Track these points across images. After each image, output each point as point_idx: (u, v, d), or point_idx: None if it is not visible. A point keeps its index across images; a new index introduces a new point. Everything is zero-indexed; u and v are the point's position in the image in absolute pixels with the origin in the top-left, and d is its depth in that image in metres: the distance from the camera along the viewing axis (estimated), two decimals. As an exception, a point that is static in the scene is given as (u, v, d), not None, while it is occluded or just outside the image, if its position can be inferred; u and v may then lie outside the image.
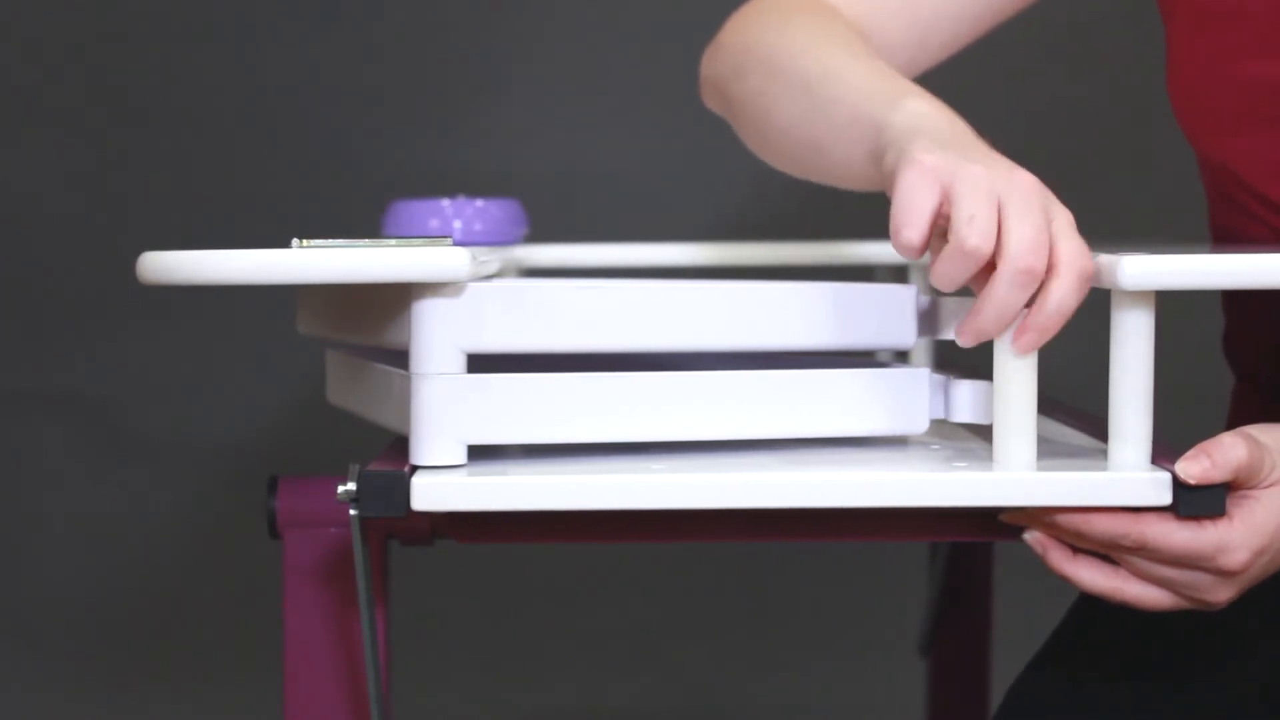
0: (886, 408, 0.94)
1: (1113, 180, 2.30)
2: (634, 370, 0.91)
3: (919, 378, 0.95)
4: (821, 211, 2.04)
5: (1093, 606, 1.11)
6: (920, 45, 1.15)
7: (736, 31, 1.13)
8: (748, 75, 1.10)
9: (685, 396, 0.91)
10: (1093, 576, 0.91)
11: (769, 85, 1.09)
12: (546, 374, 0.90)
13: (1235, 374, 1.25)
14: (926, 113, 0.95)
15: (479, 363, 0.91)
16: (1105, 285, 0.89)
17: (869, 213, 2.24)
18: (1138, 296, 0.88)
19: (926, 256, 0.90)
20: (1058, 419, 1.08)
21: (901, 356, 1.30)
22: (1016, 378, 0.89)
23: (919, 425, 0.95)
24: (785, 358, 1.02)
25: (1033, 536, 0.92)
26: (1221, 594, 0.90)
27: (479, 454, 0.92)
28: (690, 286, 0.94)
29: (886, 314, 0.95)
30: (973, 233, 0.86)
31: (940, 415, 0.96)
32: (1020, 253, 0.85)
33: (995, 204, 0.86)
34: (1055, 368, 0.98)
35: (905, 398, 0.95)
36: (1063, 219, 0.88)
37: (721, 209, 2.35)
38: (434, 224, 1.33)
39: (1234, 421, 1.25)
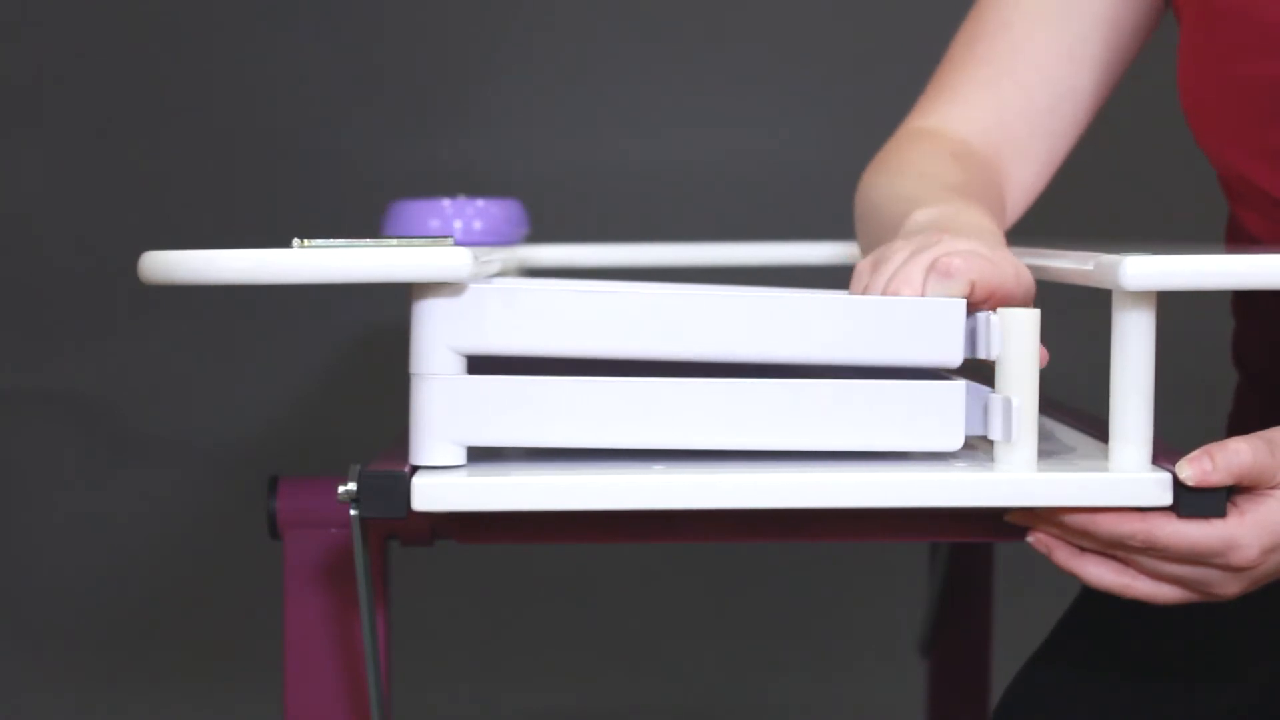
0: (915, 422, 0.90)
1: (1125, 182, 2.30)
2: (645, 376, 0.90)
3: (954, 391, 0.91)
4: (823, 212, 2.04)
5: (1095, 601, 1.11)
6: (1049, 135, 1.20)
7: (869, 174, 1.21)
8: (858, 219, 1.22)
9: (690, 405, 0.89)
10: (1101, 573, 0.91)
11: (859, 224, 1.22)
12: (545, 377, 0.89)
13: (1240, 372, 1.25)
14: (920, 221, 1.03)
15: (486, 364, 0.91)
16: (1106, 286, 0.89)
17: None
18: (1139, 297, 0.88)
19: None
20: (1058, 419, 1.08)
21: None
22: (1018, 378, 0.89)
23: (952, 442, 0.91)
24: (814, 369, 0.97)
25: (1036, 538, 0.92)
26: (1231, 588, 0.90)
27: (479, 454, 0.92)
28: (707, 293, 0.92)
29: (929, 329, 0.91)
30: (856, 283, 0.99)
31: (980, 432, 0.91)
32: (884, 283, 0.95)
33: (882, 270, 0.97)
34: (1056, 368, 0.98)
35: (937, 412, 0.90)
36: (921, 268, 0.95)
37: (722, 209, 2.35)
38: (434, 224, 1.33)
39: (1236, 419, 1.25)
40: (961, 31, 1.22)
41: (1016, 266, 0.95)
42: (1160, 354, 0.90)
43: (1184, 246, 0.98)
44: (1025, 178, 1.20)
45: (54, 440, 2.39)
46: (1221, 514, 0.88)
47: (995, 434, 0.90)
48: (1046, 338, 0.91)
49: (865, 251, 1.20)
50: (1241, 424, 1.23)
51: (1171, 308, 1.01)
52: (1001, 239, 1.02)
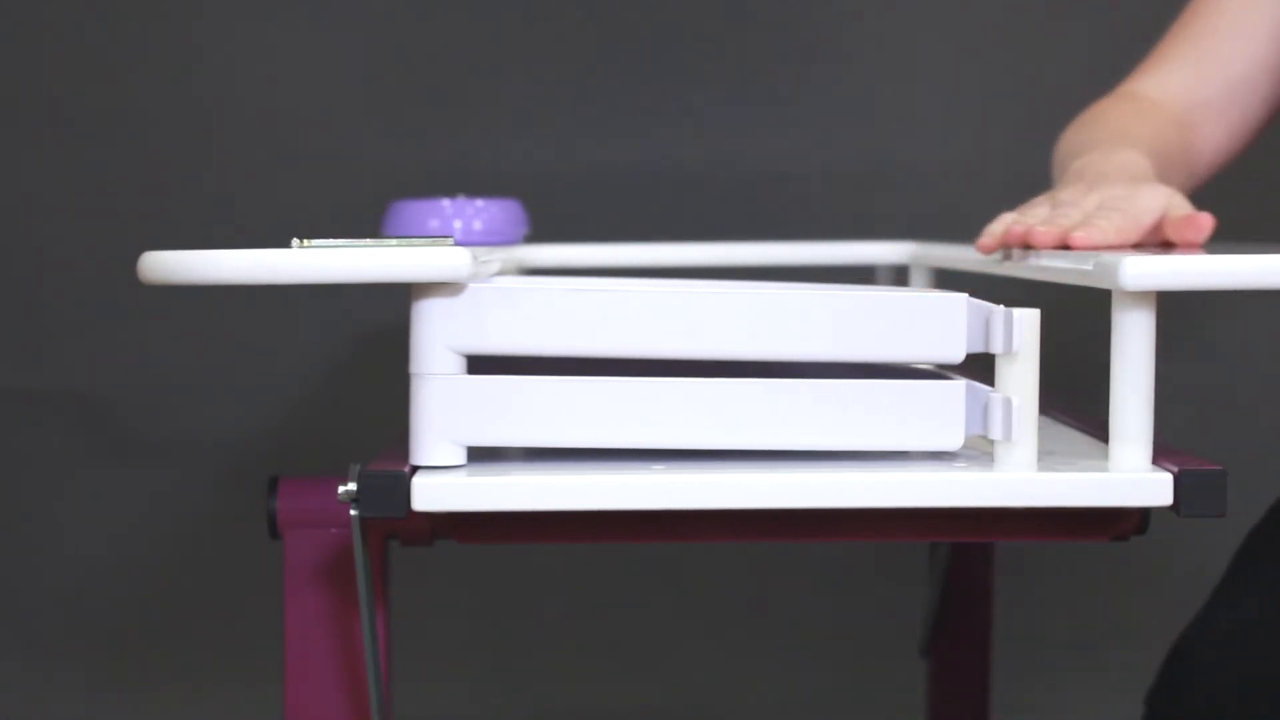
0: (915, 422, 0.90)
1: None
2: (651, 375, 0.90)
3: (954, 390, 0.91)
4: (822, 211, 2.04)
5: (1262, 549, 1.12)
6: (1243, 103, 1.31)
7: (1066, 136, 1.33)
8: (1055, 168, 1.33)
9: (690, 405, 0.89)
10: None
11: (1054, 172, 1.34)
12: (545, 377, 0.89)
13: None
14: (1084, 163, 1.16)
15: (486, 364, 0.91)
16: (1106, 286, 0.89)
17: (869, 213, 2.24)
18: (1138, 297, 0.88)
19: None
20: (1058, 419, 1.08)
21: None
22: (1018, 378, 0.89)
23: (952, 441, 0.91)
24: (813, 366, 0.97)
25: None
26: None
27: (479, 454, 0.92)
28: (706, 290, 0.91)
29: (930, 325, 0.90)
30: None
31: (980, 431, 0.91)
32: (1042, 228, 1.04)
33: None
34: (1056, 368, 0.98)
35: (937, 412, 0.90)
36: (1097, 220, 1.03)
37: (722, 209, 2.35)
38: (434, 224, 1.33)
39: None
40: (1183, 11, 1.34)
41: (1137, 205, 1.05)
42: (1160, 354, 0.90)
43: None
44: (1216, 135, 1.30)
45: (54, 440, 2.39)
46: (1223, 513, 0.88)
47: (995, 433, 0.90)
48: (1046, 337, 0.91)
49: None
50: None
51: (1172, 308, 1.01)
52: (1145, 171, 1.14)
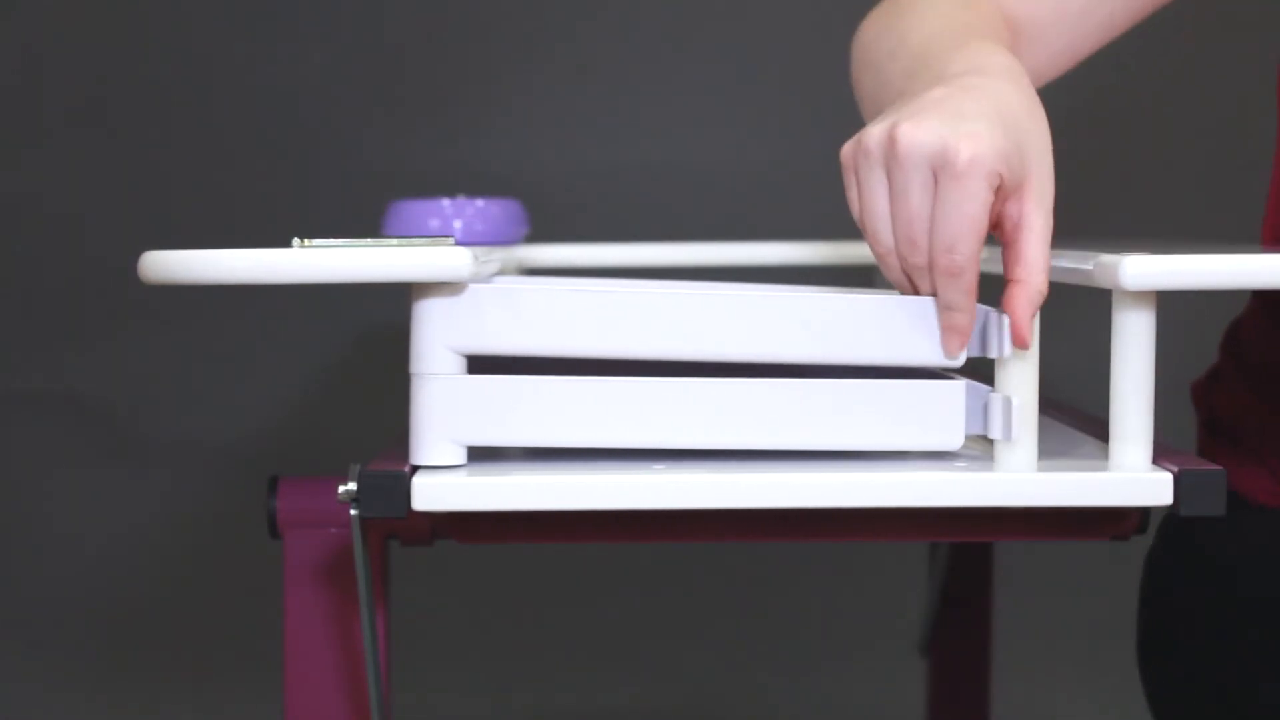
0: (915, 422, 0.90)
1: (1125, 181, 2.30)
2: (645, 376, 0.90)
3: (954, 390, 0.91)
4: (822, 211, 2.03)
5: None
6: (1074, 29, 1.15)
7: (872, 21, 1.13)
8: (862, 67, 1.12)
9: (690, 405, 0.89)
10: None
11: (862, 74, 1.11)
12: (545, 377, 0.89)
13: (1231, 360, 1.23)
14: (950, 75, 0.92)
15: (486, 364, 0.91)
16: (1106, 286, 0.89)
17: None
18: (1138, 296, 0.88)
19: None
20: (1058, 419, 1.08)
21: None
22: (1018, 377, 0.89)
23: (952, 441, 0.91)
24: (813, 366, 0.96)
25: None
26: None
27: (479, 454, 0.92)
28: (706, 291, 0.91)
29: (931, 327, 0.90)
30: (866, 230, 0.89)
31: (980, 431, 0.91)
32: (906, 250, 0.88)
33: (884, 184, 0.87)
34: (1056, 368, 0.98)
35: (938, 412, 0.90)
36: (952, 189, 0.85)
37: (722, 209, 2.35)
38: (434, 224, 1.33)
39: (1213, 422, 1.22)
40: None
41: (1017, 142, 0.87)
42: (1161, 353, 0.90)
43: (1184, 246, 0.98)
44: (1041, 56, 1.14)
45: (54, 441, 2.39)
46: (1222, 512, 0.88)
47: (995, 433, 0.90)
48: (1046, 337, 0.91)
49: (865, 103, 1.12)
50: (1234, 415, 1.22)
51: (1172, 307, 1.01)
52: (1026, 82, 0.92)
